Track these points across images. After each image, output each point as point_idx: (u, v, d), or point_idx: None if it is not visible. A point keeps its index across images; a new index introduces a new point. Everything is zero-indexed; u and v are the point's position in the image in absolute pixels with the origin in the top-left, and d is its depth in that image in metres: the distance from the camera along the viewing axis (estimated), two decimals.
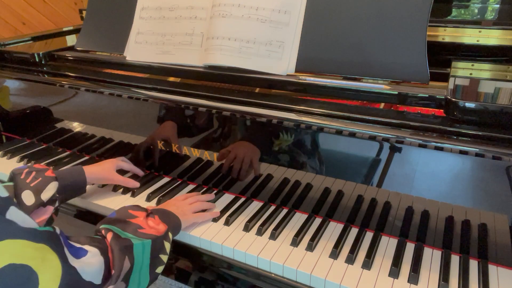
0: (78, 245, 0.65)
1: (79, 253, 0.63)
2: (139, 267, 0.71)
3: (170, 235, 0.80)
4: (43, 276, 0.54)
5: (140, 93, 1.04)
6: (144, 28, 1.12)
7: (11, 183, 0.85)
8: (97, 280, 0.64)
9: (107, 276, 0.66)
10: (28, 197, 0.83)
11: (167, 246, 0.78)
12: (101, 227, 0.73)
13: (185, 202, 0.93)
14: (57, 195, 0.88)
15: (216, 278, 0.91)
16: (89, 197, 1.03)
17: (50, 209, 0.86)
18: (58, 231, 0.61)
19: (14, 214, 0.55)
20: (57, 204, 0.88)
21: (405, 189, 0.81)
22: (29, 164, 0.92)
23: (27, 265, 0.53)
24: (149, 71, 1.12)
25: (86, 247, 0.65)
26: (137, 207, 0.82)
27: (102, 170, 1.01)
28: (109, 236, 0.70)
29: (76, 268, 0.60)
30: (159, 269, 0.76)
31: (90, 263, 0.63)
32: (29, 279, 0.53)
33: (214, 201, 1.01)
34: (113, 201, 1.02)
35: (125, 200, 1.02)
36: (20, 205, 0.81)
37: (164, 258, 0.77)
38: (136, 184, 1.05)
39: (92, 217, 1.03)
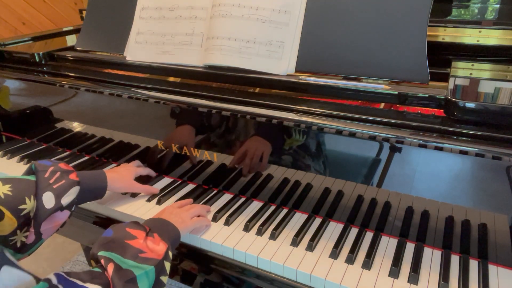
0: (80, 284, 0.61)
1: None
2: None
3: (170, 254, 0.76)
4: None
5: (140, 93, 1.04)
6: (144, 28, 1.13)
7: (33, 178, 0.81)
8: None
9: None
10: (48, 200, 0.79)
11: (168, 266, 0.74)
12: (99, 254, 0.68)
13: (182, 209, 0.90)
14: (76, 200, 0.85)
15: (215, 278, 0.91)
16: None
17: (67, 214, 0.83)
18: (55, 280, 0.58)
19: (5, 275, 0.51)
20: (73, 208, 0.85)
21: (405, 189, 0.81)
22: (53, 160, 0.88)
23: None
24: (149, 71, 1.12)
25: (88, 285, 0.62)
26: (136, 225, 0.77)
27: (122, 178, 0.99)
28: (110, 268, 0.66)
29: None
30: None
31: None
32: None
33: (214, 200, 1.01)
34: (114, 201, 1.02)
35: (125, 201, 1.02)
36: (39, 207, 0.78)
37: (165, 279, 0.73)
38: (156, 190, 1.04)
39: (89, 215, 1.04)
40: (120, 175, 0.99)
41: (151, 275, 0.69)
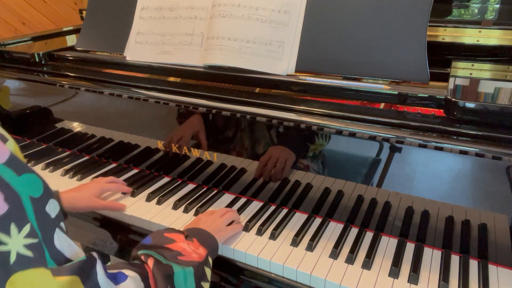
0: (115, 270, 0.60)
1: (118, 278, 0.59)
2: None
3: (210, 260, 0.75)
4: None
5: (140, 93, 1.04)
6: (144, 28, 1.12)
7: None
8: None
9: None
10: None
11: (208, 272, 0.73)
12: (139, 253, 0.68)
13: (216, 216, 0.87)
14: None
15: (214, 278, 0.91)
16: None
17: None
18: (95, 255, 0.57)
19: (60, 236, 0.52)
20: None
21: (405, 189, 0.81)
22: None
23: None
24: (149, 71, 1.12)
25: (125, 271, 0.61)
26: (172, 230, 0.77)
27: (83, 197, 0.93)
28: (150, 262, 0.66)
29: None
30: None
31: None
32: None
33: (214, 201, 1.01)
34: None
35: (124, 201, 1.02)
36: None
37: (206, 286, 0.71)
38: (122, 206, 0.98)
39: (89, 215, 1.04)
40: (81, 193, 0.94)
41: (190, 276, 0.68)
